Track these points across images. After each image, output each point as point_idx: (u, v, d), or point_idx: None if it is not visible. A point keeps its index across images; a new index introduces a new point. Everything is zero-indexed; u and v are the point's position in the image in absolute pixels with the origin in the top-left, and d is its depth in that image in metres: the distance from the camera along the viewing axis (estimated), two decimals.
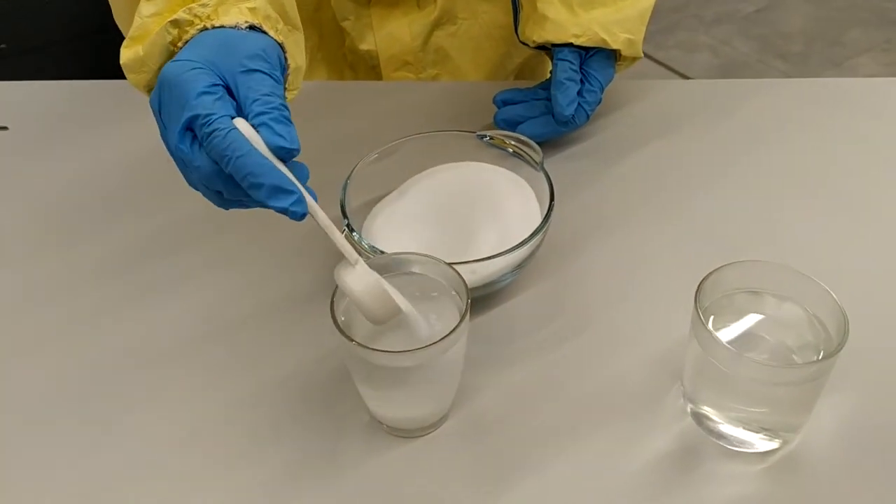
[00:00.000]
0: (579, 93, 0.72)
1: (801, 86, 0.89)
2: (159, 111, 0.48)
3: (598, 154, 0.76)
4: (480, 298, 0.62)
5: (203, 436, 0.56)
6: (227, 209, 0.51)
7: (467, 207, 0.64)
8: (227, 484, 0.53)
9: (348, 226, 0.60)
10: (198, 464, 0.54)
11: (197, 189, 0.50)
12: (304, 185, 0.47)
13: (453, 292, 0.53)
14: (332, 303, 0.50)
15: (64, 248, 0.70)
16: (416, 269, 0.55)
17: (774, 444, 0.52)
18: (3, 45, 1.09)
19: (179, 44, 0.50)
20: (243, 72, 0.47)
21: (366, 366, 0.50)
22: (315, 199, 0.48)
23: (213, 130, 0.45)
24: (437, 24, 0.87)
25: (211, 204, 0.51)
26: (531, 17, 0.75)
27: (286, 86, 0.52)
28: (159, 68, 0.50)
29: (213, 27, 0.50)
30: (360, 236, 0.60)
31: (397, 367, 0.50)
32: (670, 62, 2.39)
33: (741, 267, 0.52)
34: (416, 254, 0.54)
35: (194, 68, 0.47)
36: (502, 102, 0.77)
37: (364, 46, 0.88)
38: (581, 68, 0.73)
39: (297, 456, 0.54)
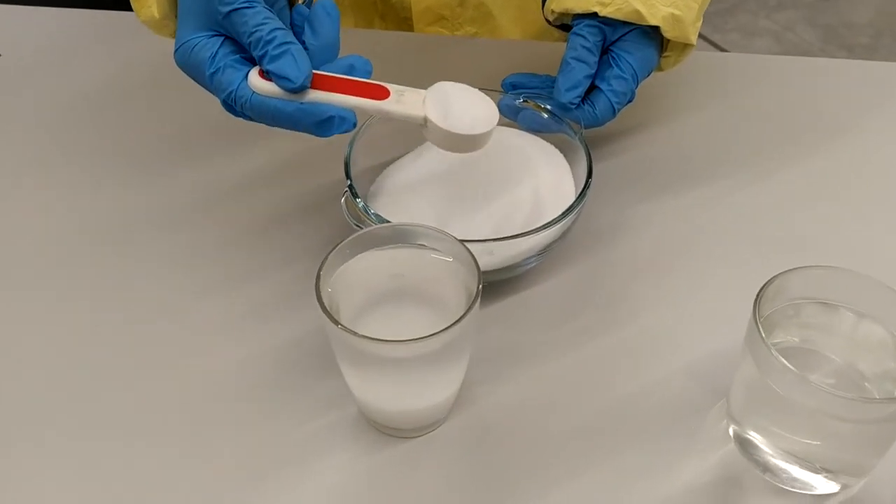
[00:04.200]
0: (604, 78, 0.57)
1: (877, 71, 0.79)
2: None
3: (646, 127, 0.67)
4: (496, 283, 0.54)
5: (160, 432, 0.49)
6: None
7: (490, 177, 0.56)
8: (191, 482, 0.46)
9: (350, 187, 0.52)
10: (153, 458, 0.48)
11: None
12: (365, 77, 0.49)
13: (463, 274, 0.45)
14: (318, 277, 0.42)
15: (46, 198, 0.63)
16: (423, 243, 0.47)
17: (833, 488, 0.44)
18: None
19: None
20: (223, 18, 0.48)
21: (353, 352, 0.43)
22: (369, 71, 0.49)
23: (243, 104, 0.48)
24: None
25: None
26: None
27: None
28: (174, 17, 0.54)
29: None
30: (365, 203, 0.52)
31: (390, 357, 0.42)
32: (728, 46, 2.26)
33: (813, 273, 0.43)
34: (424, 226, 0.46)
35: (193, 47, 0.49)
36: (511, 86, 0.62)
37: None
38: (608, 49, 0.58)
39: (273, 442, 0.47)
